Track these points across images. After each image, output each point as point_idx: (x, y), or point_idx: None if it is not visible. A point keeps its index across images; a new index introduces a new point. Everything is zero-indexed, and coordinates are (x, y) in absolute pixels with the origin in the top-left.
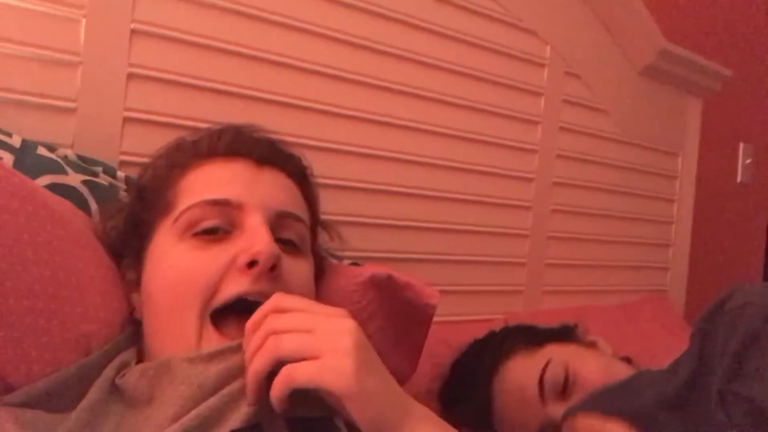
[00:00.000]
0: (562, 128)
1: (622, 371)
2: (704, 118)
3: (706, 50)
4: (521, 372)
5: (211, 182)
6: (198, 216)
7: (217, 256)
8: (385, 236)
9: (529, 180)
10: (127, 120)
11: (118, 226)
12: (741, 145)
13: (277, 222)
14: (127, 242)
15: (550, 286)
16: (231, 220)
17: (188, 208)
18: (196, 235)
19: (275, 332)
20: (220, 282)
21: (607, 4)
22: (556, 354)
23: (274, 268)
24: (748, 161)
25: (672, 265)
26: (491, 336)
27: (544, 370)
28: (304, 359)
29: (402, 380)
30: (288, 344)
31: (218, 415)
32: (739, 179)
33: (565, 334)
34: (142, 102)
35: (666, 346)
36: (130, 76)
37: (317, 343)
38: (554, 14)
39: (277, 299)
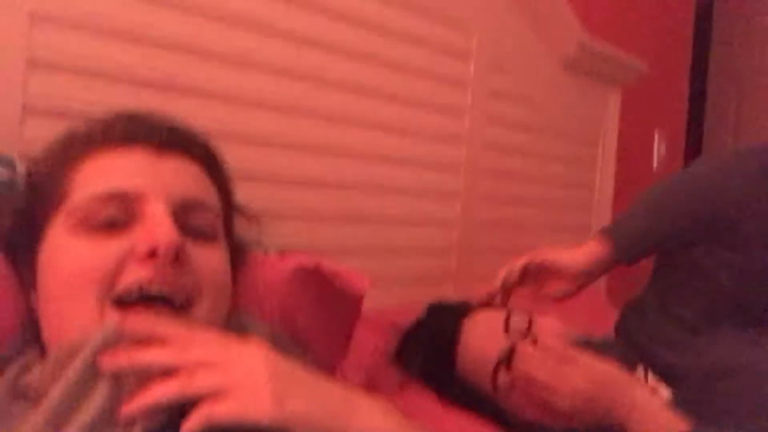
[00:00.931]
0: (488, 119)
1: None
2: (622, 109)
3: (624, 42)
4: (488, 318)
5: (107, 173)
6: (93, 209)
7: (114, 246)
8: (311, 228)
9: (457, 167)
10: (26, 110)
11: (9, 222)
12: (656, 134)
13: (183, 210)
14: (20, 239)
15: (477, 277)
16: (130, 211)
17: (83, 202)
18: (92, 228)
19: (185, 367)
20: (119, 272)
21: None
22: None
23: (177, 258)
24: (663, 149)
25: None
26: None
27: (508, 314)
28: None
29: (333, 367)
30: (201, 382)
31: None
32: (655, 166)
33: None
34: (44, 91)
35: (591, 330)
36: (29, 63)
37: (232, 379)
38: (480, 7)
39: (184, 337)
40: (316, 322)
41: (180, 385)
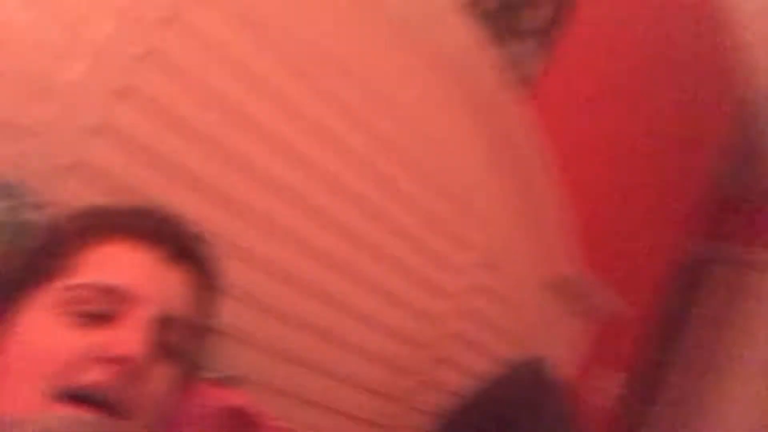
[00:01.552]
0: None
1: None
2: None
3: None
4: None
5: (114, 264)
6: (86, 297)
7: (85, 339)
8: (275, 367)
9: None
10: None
11: (4, 272)
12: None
13: (165, 324)
14: (6, 294)
15: None
16: (119, 308)
17: (79, 286)
18: (74, 313)
19: None
20: (78, 367)
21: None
22: None
23: (137, 372)
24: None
25: None
26: None
27: None
28: None
29: None
30: None
31: None
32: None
33: None
34: (99, 158)
35: None
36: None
37: None
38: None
39: None
40: None
41: None
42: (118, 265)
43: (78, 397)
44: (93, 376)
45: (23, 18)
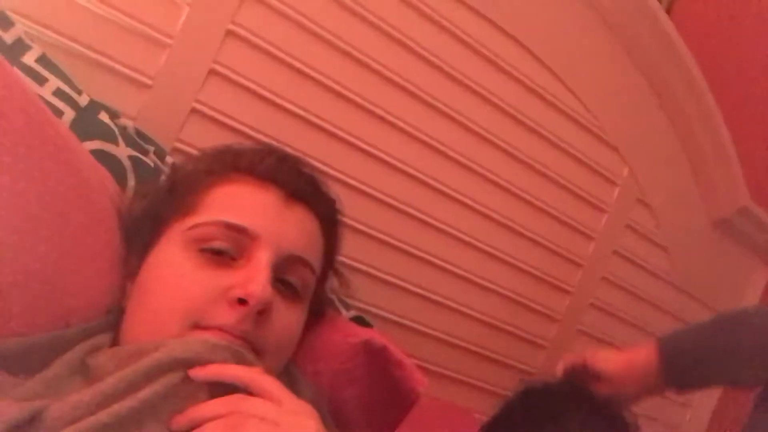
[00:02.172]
0: (615, 252)
1: None
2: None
3: None
4: None
5: (236, 204)
6: (212, 234)
7: (214, 279)
8: (404, 302)
9: (567, 292)
10: (194, 111)
11: (139, 210)
12: None
13: (286, 263)
14: (141, 230)
15: None
16: (241, 247)
17: (204, 223)
18: (203, 251)
19: (240, 412)
20: (208, 307)
21: (699, 145)
22: None
23: (262, 312)
24: None
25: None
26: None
27: None
28: None
29: None
30: (251, 430)
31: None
32: None
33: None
34: (215, 99)
35: None
36: (211, 72)
37: None
38: (642, 139)
39: (254, 379)
40: (363, 401)
41: (233, 427)
42: (241, 204)
43: (212, 330)
44: (223, 318)
45: None
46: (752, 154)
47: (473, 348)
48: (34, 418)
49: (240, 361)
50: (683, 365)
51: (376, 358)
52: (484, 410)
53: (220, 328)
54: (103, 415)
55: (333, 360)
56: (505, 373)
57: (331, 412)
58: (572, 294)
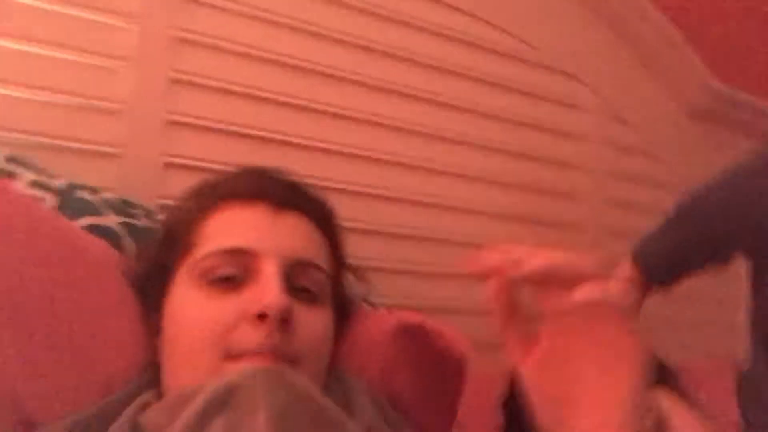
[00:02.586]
0: (606, 172)
1: None
2: None
3: (758, 88)
4: None
5: (228, 229)
6: (214, 264)
7: (230, 304)
8: (421, 285)
9: (576, 225)
10: (167, 165)
11: (144, 268)
12: None
13: (294, 270)
14: (151, 285)
15: None
16: (246, 268)
17: (205, 257)
18: (212, 282)
19: None
20: (233, 331)
21: (648, 45)
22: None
23: (285, 321)
24: None
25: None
26: None
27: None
28: None
29: None
30: None
31: None
32: None
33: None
34: (181, 148)
35: None
36: (170, 123)
37: None
38: (595, 59)
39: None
40: (417, 385)
41: None
42: (233, 228)
43: (244, 356)
44: (250, 338)
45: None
46: (706, 34)
47: None
48: None
49: (279, 379)
50: (660, 264)
51: (416, 336)
52: None
53: (251, 353)
54: None
55: (375, 351)
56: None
57: (389, 403)
58: (582, 223)
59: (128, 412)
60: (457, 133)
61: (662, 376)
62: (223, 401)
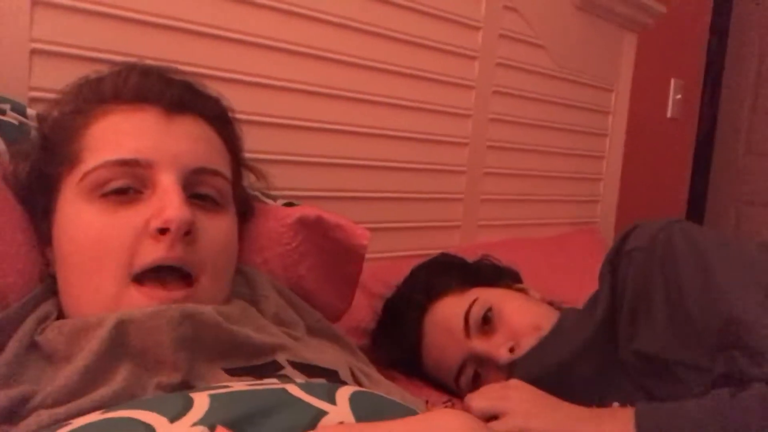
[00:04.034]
0: (499, 63)
1: (545, 313)
2: (638, 54)
3: None
4: (449, 309)
5: (117, 137)
6: (105, 177)
7: (128, 220)
8: (319, 174)
9: (466, 116)
10: (34, 52)
11: (25, 173)
12: (672, 81)
13: (193, 178)
14: (35, 192)
15: (485, 220)
16: (141, 179)
17: (94, 169)
18: (105, 195)
19: None
20: (135, 247)
21: None
22: (483, 294)
23: (188, 233)
24: (678, 97)
25: (603, 198)
26: (422, 273)
27: (470, 307)
28: None
29: (337, 316)
30: None
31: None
32: (669, 114)
33: (496, 277)
34: (50, 32)
35: (594, 275)
36: (35, 4)
37: None
38: None
39: None
40: (319, 271)
41: None
42: (120, 136)
43: (150, 274)
44: (152, 254)
45: None
46: None
47: (397, 195)
48: (20, 404)
49: (181, 317)
50: None
51: (315, 229)
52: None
53: (156, 263)
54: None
55: (276, 245)
56: (427, 206)
57: (292, 290)
58: (471, 115)
59: (27, 325)
60: (348, 54)
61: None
62: (123, 341)
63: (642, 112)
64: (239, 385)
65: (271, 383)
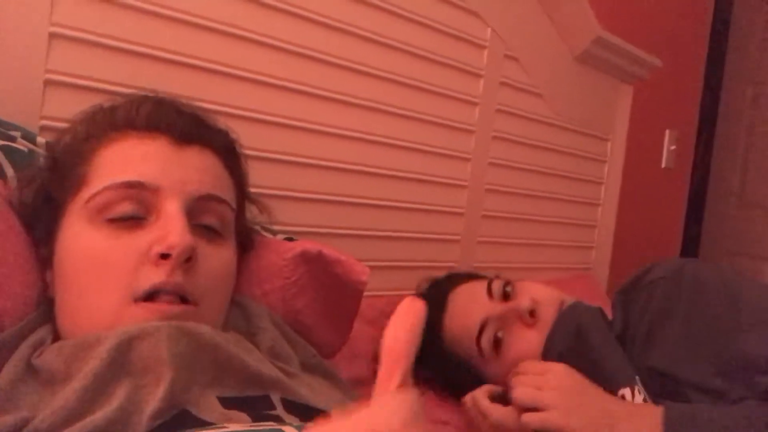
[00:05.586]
0: (498, 110)
1: (559, 294)
2: (633, 105)
3: (637, 38)
4: (472, 286)
5: (125, 161)
6: (111, 200)
7: (131, 243)
8: (319, 211)
9: (466, 160)
10: (48, 83)
11: (30, 197)
12: (667, 132)
13: (197, 206)
14: (39, 216)
15: (482, 262)
16: (146, 204)
17: (101, 191)
18: (110, 221)
19: None
20: (136, 271)
21: None
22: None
23: (189, 260)
24: (673, 147)
25: (597, 245)
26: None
27: (491, 281)
28: None
29: (333, 351)
30: None
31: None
32: (663, 164)
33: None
34: (65, 64)
35: None
36: (52, 36)
37: None
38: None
39: None
40: (317, 306)
41: None
42: (129, 160)
43: (150, 296)
44: (153, 278)
45: None
46: None
47: (397, 234)
48: (17, 431)
49: (181, 332)
50: None
51: (316, 264)
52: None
53: (156, 288)
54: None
55: (276, 278)
56: (425, 246)
57: (289, 324)
58: (470, 159)
59: (22, 350)
60: (357, 63)
61: None
62: (124, 360)
63: (637, 162)
64: (234, 426)
65: (268, 425)
